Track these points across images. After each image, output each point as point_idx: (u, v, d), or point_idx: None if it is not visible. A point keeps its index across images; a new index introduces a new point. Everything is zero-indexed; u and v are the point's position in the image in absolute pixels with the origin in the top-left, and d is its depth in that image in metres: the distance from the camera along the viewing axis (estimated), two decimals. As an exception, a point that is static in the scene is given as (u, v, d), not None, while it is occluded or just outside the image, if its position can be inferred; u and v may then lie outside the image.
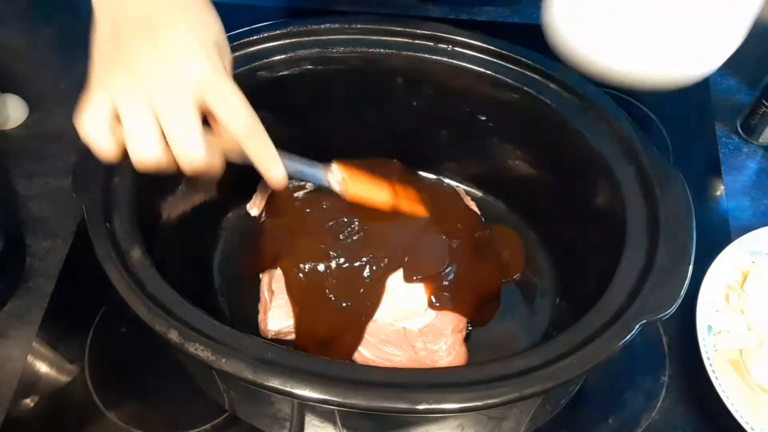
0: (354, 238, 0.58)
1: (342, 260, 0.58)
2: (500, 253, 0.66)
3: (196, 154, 0.44)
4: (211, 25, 0.47)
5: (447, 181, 0.73)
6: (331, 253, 0.58)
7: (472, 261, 0.61)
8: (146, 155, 0.44)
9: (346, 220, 0.59)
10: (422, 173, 0.72)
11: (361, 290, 0.57)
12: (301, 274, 0.58)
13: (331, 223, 0.59)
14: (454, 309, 0.59)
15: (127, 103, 0.44)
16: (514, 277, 0.66)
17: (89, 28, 0.48)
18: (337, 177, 0.57)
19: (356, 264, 0.57)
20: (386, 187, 0.60)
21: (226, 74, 0.46)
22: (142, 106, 0.44)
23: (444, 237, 0.60)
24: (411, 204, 0.61)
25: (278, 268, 0.59)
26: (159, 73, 0.44)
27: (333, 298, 0.58)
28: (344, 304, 0.58)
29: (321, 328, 0.59)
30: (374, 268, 0.57)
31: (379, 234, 0.59)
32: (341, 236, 0.58)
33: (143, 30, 0.45)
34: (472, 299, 0.61)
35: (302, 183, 0.65)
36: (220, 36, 0.48)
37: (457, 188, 0.72)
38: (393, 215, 0.60)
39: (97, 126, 0.44)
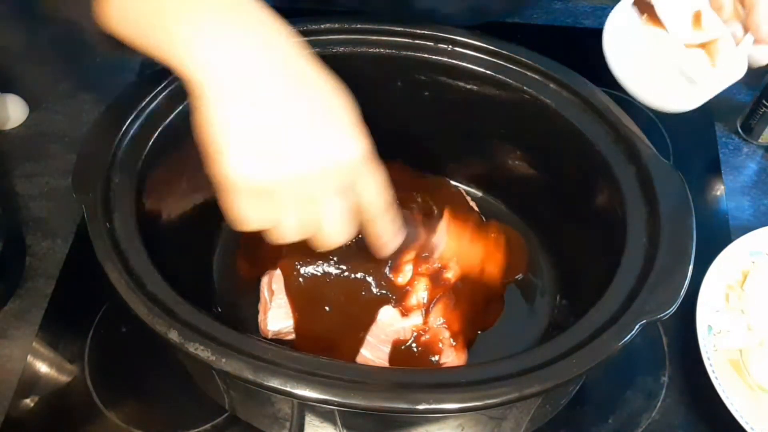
0: (355, 239, 0.58)
1: (342, 262, 0.58)
2: (503, 254, 0.66)
3: (340, 239, 0.46)
4: (345, 94, 0.45)
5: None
6: (332, 256, 0.58)
7: (474, 263, 0.61)
8: (287, 239, 0.44)
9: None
10: (422, 173, 0.72)
11: (363, 293, 0.57)
12: (300, 277, 0.58)
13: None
14: (456, 310, 0.59)
15: (282, 194, 0.42)
16: (516, 277, 0.67)
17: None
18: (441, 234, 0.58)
19: (357, 267, 0.57)
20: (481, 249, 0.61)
21: (371, 153, 0.45)
22: (296, 195, 0.42)
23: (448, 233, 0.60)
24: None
25: (278, 269, 0.59)
26: (315, 159, 0.42)
27: (333, 301, 0.57)
28: (344, 307, 0.58)
29: (321, 330, 0.58)
30: (376, 276, 0.57)
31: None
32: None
33: (291, 107, 0.42)
34: (474, 300, 0.61)
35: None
36: (353, 104, 0.46)
37: (456, 188, 0.72)
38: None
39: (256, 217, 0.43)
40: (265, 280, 0.62)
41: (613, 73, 0.57)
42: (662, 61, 0.54)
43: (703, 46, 0.54)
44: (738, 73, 0.54)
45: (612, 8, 0.58)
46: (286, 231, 0.44)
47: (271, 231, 0.44)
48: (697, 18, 0.54)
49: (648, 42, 0.54)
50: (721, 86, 0.54)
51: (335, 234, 0.45)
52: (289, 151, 0.41)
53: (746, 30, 0.53)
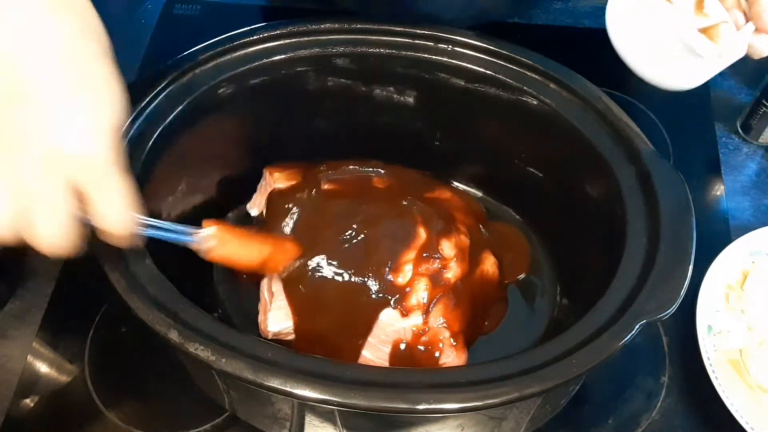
0: (355, 241, 0.58)
1: (342, 265, 0.58)
2: (504, 254, 0.66)
3: (53, 244, 0.40)
4: (115, 102, 0.42)
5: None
6: (332, 257, 0.58)
7: (475, 264, 0.61)
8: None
9: (347, 221, 0.59)
10: (422, 174, 0.72)
11: (362, 294, 0.57)
12: (299, 280, 0.58)
13: (332, 224, 0.59)
14: (456, 310, 0.59)
15: None
16: (518, 277, 0.67)
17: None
18: (207, 236, 0.53)
19: (356, 267, 0.57)
20: (261, 246, 0.57)
21: (115, 163, 0.42)
22: (8, 181, 0.39)
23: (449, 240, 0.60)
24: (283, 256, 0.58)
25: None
26: (42, 144, 0.39)
27: (332, 302, 0.57)
28: (344, 309, 0.58)
29: (321, 331, 0.58)
30: (376, 277, 0.57)
31: (381, 236, 0.59)
32: (342, 238, 0.58)
33: (47, 81, 0.39)
34: (474, 300, 0.61)
35: (302, 185, 0.65)
36: (120, 115, 0.43)
37: (457, 188, 0.72)
38: (395, 213, 0.60)
39: None
40: (265, 280, 0.62)
41: (615, 47, 0.57)
42: (666, 35, 0.53)
43: (704, 31, 0.54)
44: (738, 53, 0.54)
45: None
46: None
47: None
48: (699, 4, 0.55)
49: (652, 16, 0.54)
50: (722, 64, 0.54)
51: (47, 236, 0.40)
52: (15, 130, 0.39)
53: (748, 19, 0.54)
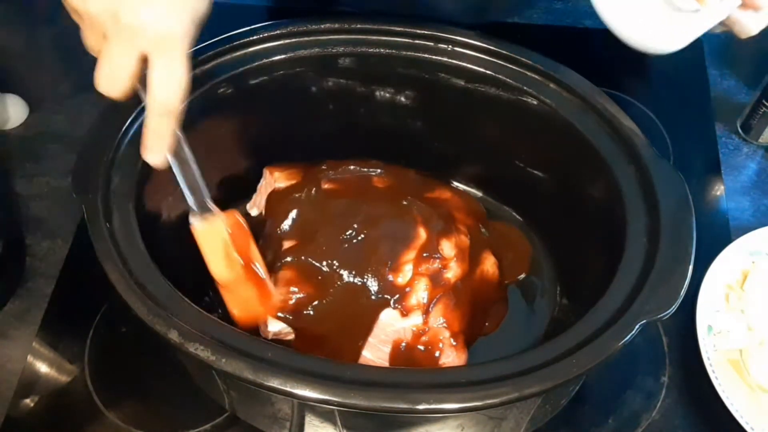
0: (355, 240, 0.58)
1: (342, 265, 0.57)
2: (505, 255, 0.66)
3: (105, 84, 0.47)
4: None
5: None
6: (332, 257, 0.58)
7: (475, 264, 0.61)
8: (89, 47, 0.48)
9: (347, 221, 0.59)
10: (422, 174, 0.72)
11: (362, 294, 0.57)
12: (300, 279, 0.58)
13: (332, 224, 0.59)
14: (456, 310, 0.59)
15: (88, 20, 0.46)
16: (519, 277, 0.67)
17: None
18: (208, 216, 0.54)
19: (357, 271, 0.57)
20: (240, 269, 0.55)
21: (181, 46, 0.46)
22: (95, 29, 0.46)
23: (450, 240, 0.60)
24: (244, 297, 0.56)
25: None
26: (130, 10, 0.44)
27: (332, 306, 0.57)
28: (344, 310, 0.58)
29: (321, 332, 0.58)
30: (376, 277, 0.57)
31: (381, 236, 0.59)
32: (342, 237, 0.58)
33: None
34: (475, 300, 0.61)
35: (302, 185, 0.65)
36: (204, 12, 0.47)
37: (457, 188, 0.72)
38: (395, 213, 0.60)
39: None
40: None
41: (598, 12, 0.56)
42: None
43: None
44: (720, 14, 0.53)
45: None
46: (86, 42, 0.48)
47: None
48: None
49: None
50: (707, 24, 0.53)
51: (102, 76, 0.47)
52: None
53: None
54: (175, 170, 0.51)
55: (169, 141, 0.48)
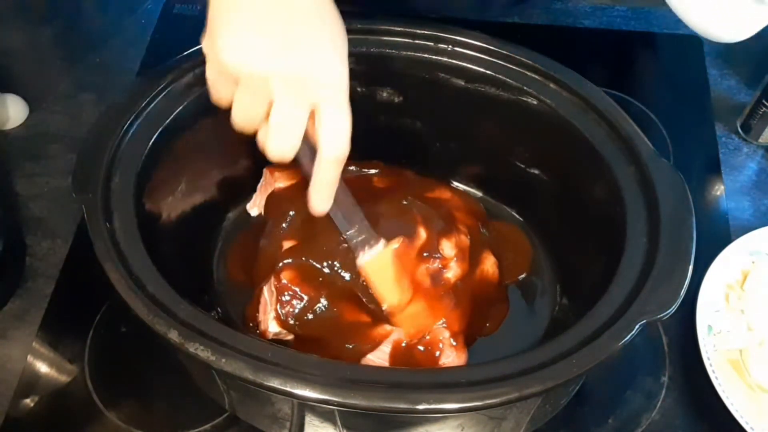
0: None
1: (342, 265, 0.57)
2: (505, 254, 0.66)
3: (284, 152, 0.46)
4: (345, 39, 0.47)
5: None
6: (332, 257, 0.58)
7: (475, 264, 0.61)
8: (242, 126, 0.46)
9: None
10: (422, 174, 0.72)
11: (363, 300, 0.57)
12: (300, 280, 0.58)
13: (332, 224, 0.59)
14: (456, 309, 0.59)
15: (250, 82, 0.44)
16: (519, 277, 0.67)
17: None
18: (373, 251, 0.55)
19: (358, 273, 0.57)
20: (409, 291, 0.56)
21: (346, 95, 0.46)
22: (260, 90, 0.44)
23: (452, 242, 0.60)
24: (416, 322, 0.57)
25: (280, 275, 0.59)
26: (296, 64, 0.43)
27: (333, 306, 0.57)
28: (344, 312, 0.58)
29: (321, 334, 0.58)
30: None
31: (382, 235, 0.59)
32: (342, 237, 0.58)
33: (310, 16, 0.45)
34: (475, 300, 0.61)
35: (302, 184, 0.65)
36: (346, 47, 0.47)
37: (457, 188, 0.72)
38: (395, 213, 0.60)
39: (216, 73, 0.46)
40: (266, 282, 0.62)
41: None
42: None
43: None
44: None
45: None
46: (237, 112, 0.46)
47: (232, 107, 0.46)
48: None
49: None
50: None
51: (275, 138, 0.45)
52: (277, 48, 0.43)
53: None
54: (335, 216, 0.52)
55: (335, 188, 0.49)
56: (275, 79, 0.44)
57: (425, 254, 0.58)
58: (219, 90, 0.47)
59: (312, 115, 0.46)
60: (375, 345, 0.58)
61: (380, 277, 0.55)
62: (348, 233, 0.54)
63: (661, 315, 0.48)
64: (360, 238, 0.55)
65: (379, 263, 0.55)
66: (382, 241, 0.55)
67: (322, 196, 0.49)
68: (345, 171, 0.64)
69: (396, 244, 0.55)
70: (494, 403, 0.44)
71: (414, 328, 0.57)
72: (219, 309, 0.64)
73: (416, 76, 0.65)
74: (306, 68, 0.44)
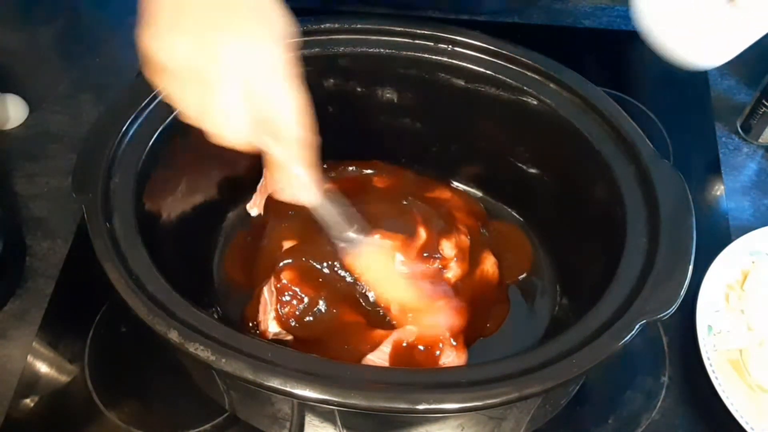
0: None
1: (342, 267, 0.57)
2: (505, 254, 0.66)
3: (226, 130, 0.45)
4: (277, 17, 0.46)
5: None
6: (332, 258, 0.58)
7: (476, 264, 0.61)
8: (196, 119, 0.45)
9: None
10: (422, 174, 0.72)
11: (363, 300, 0.57)
12: (299, 280, 0.58)
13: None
14: (456, 311, 0.59)
15: (189, 61, 0.43)
16: (519, 277, 0.67)
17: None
18: (369, 245, 0.55)
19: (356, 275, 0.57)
20: (409, 289, 0.57)
21: (283, 74, 0.46)
22: (195, 74, 0.44)
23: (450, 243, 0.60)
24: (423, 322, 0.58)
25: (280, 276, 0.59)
26: (228, 45, 0.43)
27: (333, 309, 0.58)
28: (344, 313, 0.58)
29: (321, 335, 0.58)
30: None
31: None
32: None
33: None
34: (475, 300, 0.61)
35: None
36: (287, 32, 0.47)
37: (457, 188, 0.72)
38: (395, 213, 0.60)
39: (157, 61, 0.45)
40: (266, 282, 0.62)
41: (641, 27, 0.55)
42: (698, 6, 0.52)
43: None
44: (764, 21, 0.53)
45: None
46: (181, 103, 0.45)
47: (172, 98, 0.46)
48: None
49: None
50: (756, 33, 0.53)
51: (221, 124, 0.45)
52: (204, 31, 0.43)
53: None
54: (317, 213, 0.52)
55: (317, 173, 0.49)
56: (205, 65, 0.43)
57: (425, 254, 0.58)
58: (169, 91, 0.46)
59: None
60: (375, 345, 0.58)
61: (377, 274, 0.56)
62: (330, 231, 0.54)
63: (661, 315, 0.48)
64: (341, 238, 0.55)
65: (372, 260, 0.55)
66: (377, 238, 0.56)
67: (302, 187, 0.49)
68: (345, 171, 0.65)
69: (390, 240, 0.56)
70: (494, 403, 0.44)
71: (420, 326, 0.57)
72: (219, 309, 0.64)
73: (416, 76, 0.65)
74: (237, 47, 0.44)
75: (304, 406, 0.50)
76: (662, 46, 0.55)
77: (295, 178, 0.49)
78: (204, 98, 0.44)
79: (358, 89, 0.66)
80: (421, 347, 0.58)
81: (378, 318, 0.57)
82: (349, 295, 0.57)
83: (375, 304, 0.57)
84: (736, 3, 0.52)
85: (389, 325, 0.57)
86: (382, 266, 0.56)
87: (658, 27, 0.54)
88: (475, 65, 0.63)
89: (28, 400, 0.61)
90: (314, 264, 0.58)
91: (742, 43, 0.53)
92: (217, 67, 0.43)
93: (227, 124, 0.45)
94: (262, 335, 0.60)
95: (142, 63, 0.45)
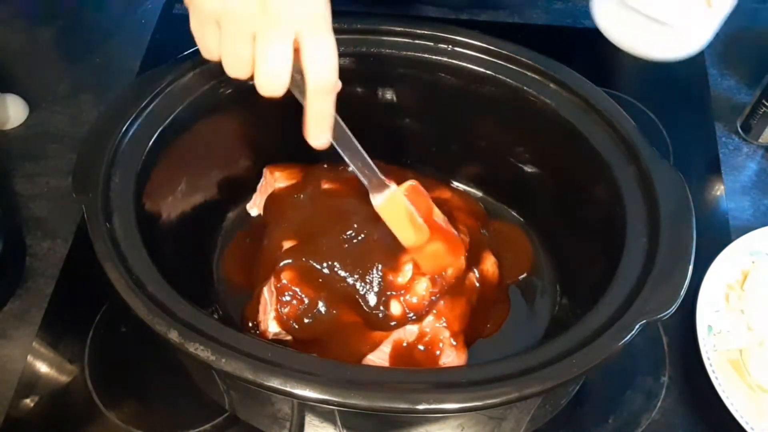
0: (355, 240, 0.58)
1: (342, 265, 0.57)
2: (505, 254, 0.66)
3: (274, 87, 0.47)
4: None
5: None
6: (332, 257, 0.58)
7: (476, 264, 0.61)
8: (235, 73, 0.47)
9: (347, 221, 0.59)
10: (422, 174, 0.72)
11: (363, 301, 0.57)
12: (300, 279, 0.58)
13: (331, 224, 0.59)
14: (456, 309, 0.59)
15: (230, 22, 0.45)
16: (519, 277, 0.67)
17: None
18: (386, 191, 0.55)
19: (357, 271, 0.57)
20: (427, 231, 0.57)
21: (327, 23, 0.47)
22: (242, 29, 0.45)
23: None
24: (437, 259, 0.58)
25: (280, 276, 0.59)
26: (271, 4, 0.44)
27: (333, 309, 0.58)
28: (344, 313, 0.58)
29: (321, 336, 0.58)
30: (376, 277, 0.57)
31: (382, 235, 0.59)
32: (342, 237, 0.58)
33: None
34: (475, 300, 0.61)
35: (302, 184, 0.65)
36: None
37: (457, 188, 0.72)
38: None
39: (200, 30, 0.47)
40: (266, 282, 0.62)
41: (600, 27, 0.56)
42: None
43: None
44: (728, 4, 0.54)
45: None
46: (226, 58, 0.47)
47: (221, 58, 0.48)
48: None
49: None
50: (714, 21, 0.54)
51: (264, 74, 0.46)
52: None
53: None
54: (343, 152, 0.53)
55: (332, 120, 0.50)
56: (253, 14, 0.44)
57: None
58: (205, 41, 0.48)
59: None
60: (375, 345, 0.58)
61: (395, 217, 0.56)
62: (359, 175, 0.55)
63: (661, 315, 0.48)
64: (370, 181, 0.55)
65: (393, 204, 0.56)
66: (394, 184, 0.56)
67: (317, 129, 0.50)
68: (345, 171, 0.65)
69: (409, 183, 0.57)
70: (494, 403, 0.44)
71: (430, 266, 0.58)
72: (219, 309, 0.64)
73: (416, 76, 0.65)
74: (285, 3, 0.45)
75: (304, 406, 0.50)
76: (620, 43, 0.56)
77: (325, 117, 0.50)
78: (255, 49, 0.46)
79: (358, 89, 0.66)
80: (421, 347, 0.58)
81: (377, 320, 0.57)
82: (348, 296, 0.57)
83: (375, 306, 0.57)
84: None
85: (388, 327, 0.57)
86: (400, 211, 0.56)
87: (614, 26, 0.55)
88: (475, 65, 0.63)
89: (28, 400, 0.61)
90: (314, 264, 0.58)
91: (704, 33, 0.54)
92: (270, 18, 0.45)
93: (279, 74, 0.46)
94: (262, 335, 0.60)
95: (190, 15, 0.46)
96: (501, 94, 0.63)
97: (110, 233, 0.51)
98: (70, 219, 0.72)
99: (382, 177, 0.55)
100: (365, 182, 0.55)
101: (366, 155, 0.54)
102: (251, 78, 0.48)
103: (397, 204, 0.55)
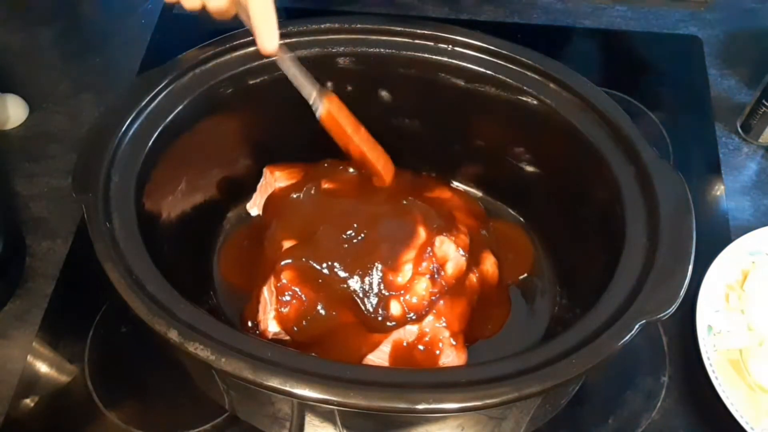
0: (355, 240, 0.58)
1: (342, 264, 0.57)
2: (505, 254, 0.66)
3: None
4: None
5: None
6: (332, 257, 0.58)
7: (476, 264, 0.61)
8: (190, 4, 0.54)
9: (347, 221, 0.59)
10: (422, 174, 0.72)
11: (363, 301, 0.57)
12: (300, 279, 0.58)
13: (332, 223, 0.59)
14: (456, 309, 0.59)
15: None
16: (519, 277, 0.67)
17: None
18: (322, 98, 0.59)
19: (357, 270, 0.57)
20: (361, 130, 0.61)
21: None
22: None
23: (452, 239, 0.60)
24: (376, 154, 0.62)
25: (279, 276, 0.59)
26: None
27: (332, 309, 0.58)
28: (344, 313, 0.58)
29: (321, 336, 0.58)
30: (376, 276, 0.57)
31: (382, 235, 0.59)
32: (342, 237, 0.58)
33: None
34: (475, 300, 0.61)
35: (302, 184, 0.65)
36: None
37: (457, 188, 0.72)
38: (395, 213, 0.60)
39: None
40: (266, 282, 0.62)
41: None
42: None
43: None
44: None
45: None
46: None
47: None
48: None
49: None
50: None
51: None
52: None
53: None
54: (283, 65, 0.57)
55: (276, 22, 0.53)
56: None
57: (425, 254, 0.58)
58: None
59: None
60: (374, 345, 0.58)
61: (339, 122, 0.60)
62: (302, 86, 0.58)
63: (661, 315, 0.48)
64: (310, 92, 0.58)
65: (334, 106, 0.59)
66: (328, 93, 0.59)
67: (265, 32, 0.54)
68: (345, 171, 0.65)
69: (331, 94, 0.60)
70: (494, 403, 0.44)
71: (383, 163, 0.62)
72: (219, 309, 0.64)
73: (416, 76, 0.65)
74: None
75: (304, 406, 0.50)
76: None
77: (269, 19, 0.54)
78: None
79: (358, 89, 0.66)
80: (420, 347, 0.58)
81: (377, 322, 0.57)
82: (348, 296, 0.57)
83: (375, 306, 0.57)
84: None
85: (387, 328, 0.57)
86: (339, 118, 0.60)
87: None
88: (475, 65, 0.63)
89: (28, 400, 0.62)
90: (314, 264, 0.58)
91: None
92: None
93: None
94: (262, 335, 0.60)
95: None
96: (501, 94, 0.63)
97: (110, 233, 0.51)
98: (70, 219, 0.72)
99: (319, 85, 0.58)
100: (306, 93, 0.58)
101: (304, 68, 0.57)
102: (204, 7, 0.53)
103: (336, 108, 0.59)
